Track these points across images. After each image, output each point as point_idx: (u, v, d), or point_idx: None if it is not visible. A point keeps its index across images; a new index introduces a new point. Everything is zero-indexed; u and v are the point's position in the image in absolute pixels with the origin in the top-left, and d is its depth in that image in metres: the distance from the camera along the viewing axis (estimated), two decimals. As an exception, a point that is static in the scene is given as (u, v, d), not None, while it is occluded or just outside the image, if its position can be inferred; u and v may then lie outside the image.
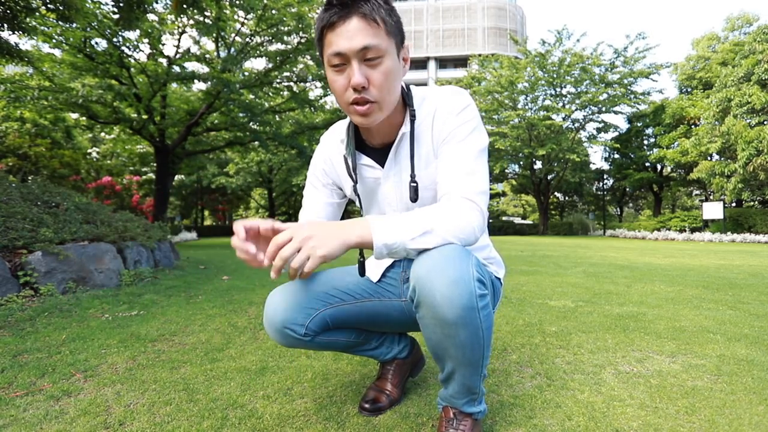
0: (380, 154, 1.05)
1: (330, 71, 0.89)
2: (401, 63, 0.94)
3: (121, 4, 5.92)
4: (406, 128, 0.98)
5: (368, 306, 1.14)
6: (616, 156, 25.66)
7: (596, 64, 21.11)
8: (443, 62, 49.15)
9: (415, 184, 0.99)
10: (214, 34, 11.66)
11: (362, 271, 1.11)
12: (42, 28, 9.01)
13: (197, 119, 12.83)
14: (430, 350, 0.96)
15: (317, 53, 0.97)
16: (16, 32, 5.75)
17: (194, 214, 30.55)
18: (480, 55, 26.51)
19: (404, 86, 1.01)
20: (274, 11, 11.29)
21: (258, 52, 12.59)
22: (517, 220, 35.52)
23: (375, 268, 1.18)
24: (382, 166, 1.04)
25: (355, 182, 1.06)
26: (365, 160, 1.06)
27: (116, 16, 6.47)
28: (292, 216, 36.20)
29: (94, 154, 21.17)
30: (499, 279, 1.15)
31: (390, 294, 1.16)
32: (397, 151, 1.02)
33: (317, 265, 0.78)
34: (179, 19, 11.04)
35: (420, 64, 48.67)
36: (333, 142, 1.12)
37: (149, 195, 21.53)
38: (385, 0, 0.87)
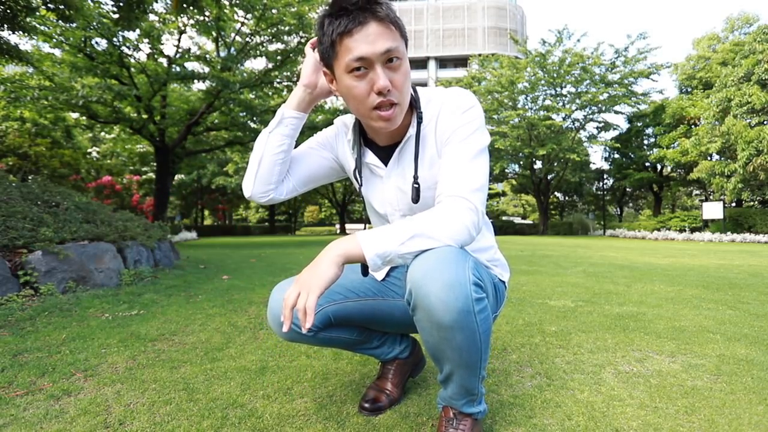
0: (385, 153, 1.05)
1: (348, 78, 0.87)
2: None
3: (121, 4, 5.93)
4: (413, 130, 0.98)
5: (372, 304, 1.14)
6: (616, 156, 25.63)
7: (597, 63, 21.08)
8: (443, 62, 49.12)
9: (417, 186, 0.98)
10: (214, 34, 11.67)
11: (365, 271, 1.09)
12: (42, 28, 9.02)
13: (197, 119, 12.83)
14: (428, 352, 0.96)
15: (322, 62, 0.93)
16: (16, 32, 5.75)
17: (194, 213, 30.56)
18: (480, 55, 26.48)
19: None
20: (273, 11, 11.30)
21: (258, 51, 12.60)
22: (517, 220, 35.51)
23: None
24: (386, 165, 1.04)
25: (360, 185, 1.07)
26: (370, 157, 1.06)
27: (116, 16, 6.47)
28: (292, 216, 36.19)
29: (94, 154, 21.18)
30: (504, 282, 1.13)
31: (394, 293, 1.16)
32: (401, 151, 1.01)
33: (315, 299, 0.80)
34: (179, 18, 11.03)
35: (420, 64, 48.64)
36: (344, 138, 1.12)
37: (149, 194, 21.54)
38: (391, 5, 0.88)
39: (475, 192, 0.89)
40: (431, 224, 0.84)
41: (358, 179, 1.06)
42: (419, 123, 0.98)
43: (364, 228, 1.00)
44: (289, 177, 1.11)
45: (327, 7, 0.87)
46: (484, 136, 0.96)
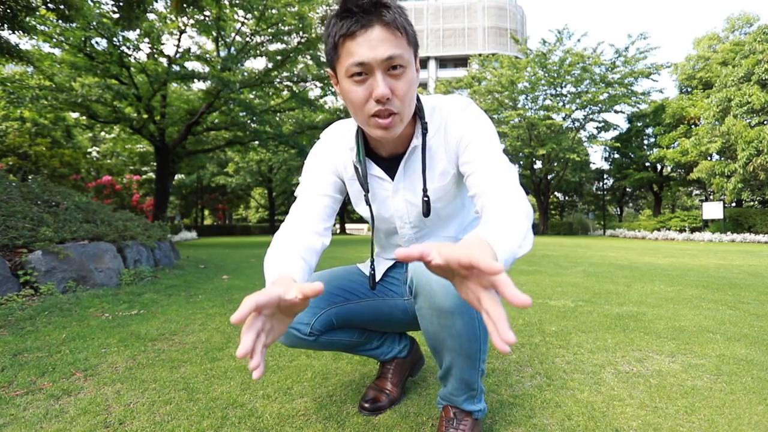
0: (389, 165, 1.01)
1: (348, 82, 0.84)
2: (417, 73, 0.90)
3: (121, 4, 5.93)
4: (417, 140, 0.96)
5: (372, 305, 1.14)
6: (616, 156, 25.63)
7: (597, 63, 21.08)
8: (443, 62, 49.07)
9: (427, 199, 0.97)
10: (214, 34, 11.66)
11: (373, 285, 1.12)
12: (42, 28, 9.01)
13: (197, 118, 12.82)
14: (428, 344, 0.97)
15: (326, 62, 0.87)
16: (16, 32, 5.75)
17: (194, 213, 30.53)
18: (480, 55, 26.48)
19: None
20: (274, 11, 11.29)
21: (258, 51, 12.59)
22: (517, 220, 35.40)
23: (377, 268, 1.19)
24: (392, 178, 1.01)
25: (367, 191, 1.01)
26: (376, 170, 1.02)
27: (116, 16, 6.47)
28: (292, 215, 36.07)
29: (94, 154, 21.16)
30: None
31: (393, 293, 1.16)
32: (407, 164, 0.99)
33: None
34: (179, 18, 11.03)
35: (420, 64, 48.41)
36: (340, 147, 1.04)
37: (149, 194, 21.52)
38: (403, 10, 0.84)
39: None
40: (529, 221, 0.78)
41: (365, 187, 1.00)
42: (425, 134, 0.95)
43: (366, 230, 0.98)
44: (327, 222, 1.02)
45: (337, 7, 0.84)
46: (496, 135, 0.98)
